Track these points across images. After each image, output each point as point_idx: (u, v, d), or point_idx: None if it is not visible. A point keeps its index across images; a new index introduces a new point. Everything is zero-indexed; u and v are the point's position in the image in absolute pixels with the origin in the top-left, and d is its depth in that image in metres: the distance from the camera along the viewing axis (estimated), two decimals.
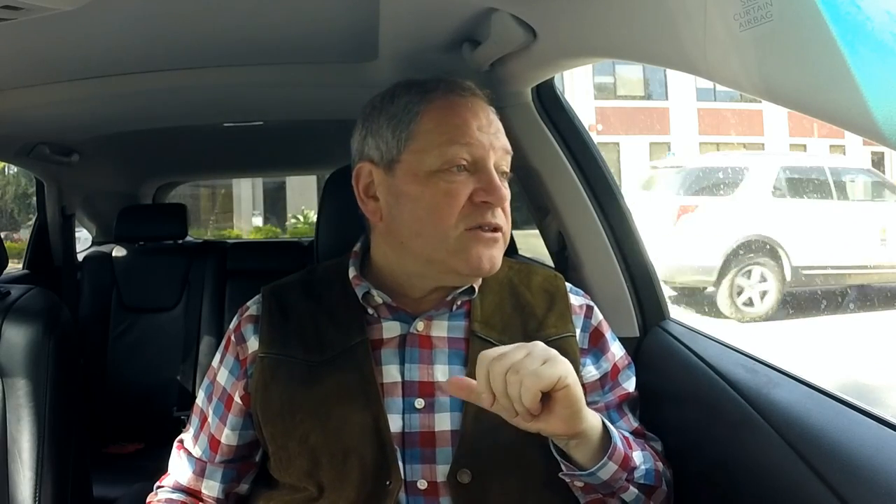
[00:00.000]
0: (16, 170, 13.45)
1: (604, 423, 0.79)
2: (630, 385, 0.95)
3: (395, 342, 0.88)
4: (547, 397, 0.71)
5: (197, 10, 1.09)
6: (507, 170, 0.88)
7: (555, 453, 0.80)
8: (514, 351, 0.72)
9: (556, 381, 0.70)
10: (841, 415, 0.75)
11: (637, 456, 0.83)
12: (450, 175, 0.83)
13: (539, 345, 0.73)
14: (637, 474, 0.82)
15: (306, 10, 1.12)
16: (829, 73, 0.44)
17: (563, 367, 0.72)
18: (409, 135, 0.86)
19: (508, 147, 0.88)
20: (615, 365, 0.94)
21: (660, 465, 0.88)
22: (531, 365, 0.70)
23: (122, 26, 1.12)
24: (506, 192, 0.84)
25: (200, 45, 1.28)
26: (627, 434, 0.87)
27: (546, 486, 0.84)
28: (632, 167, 18.04)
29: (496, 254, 0.85)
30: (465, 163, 0.84)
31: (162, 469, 0.98)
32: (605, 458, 0.77)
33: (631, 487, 0.82)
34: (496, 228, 0.84)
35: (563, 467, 0.80)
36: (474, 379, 0.84)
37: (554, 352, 0.73)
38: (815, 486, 0.69)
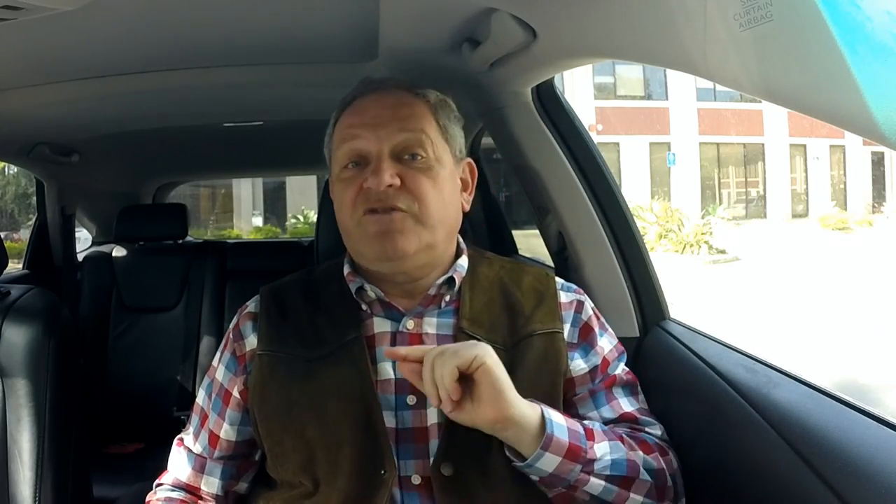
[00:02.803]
0: (16, 170, 13.47)
1: (542, 414, 0.80)
2: (618, 369, 0.95)
3: (387, 339, 0.89)
4: (469, 382, 0.76)
5: (197, 10, 1.10)
6: (423, 150, 0.87)
7: (505, 448, 0.81)
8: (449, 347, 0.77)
9: (473, 358, 0.75)
10: (841, 415, 0.75)
11: (599, 447, 0.82)
12: (344, 172, 0.89)
13: (467, 342, 0.81)
14: (598, 466, 0.81)
15: (306, 11, 1.12)
16: (829, 73, 0.44)
17: (480, 348, 0.77)
18: (330, 145, 0.94)
19: (416, 126, 0.88)
20: (605, 359, 0.94)
21: (639, 454, 0.86)
22: (452, 349, 0.76)
23: (122, 26, 1.12)
24: (388, 178, 0.84)
25: (200, 45, 1.28)
26: (592, 425, 0.86)
27: (527, 479, 0.83)
28: (632, 167, 18.06)
29: (399, 237, 0.84)
30: (356, 159, 0.88)
31: (162, 469, 0.98)
32: (539, 449, 0.78)
33: (594, 479, 0.81)
34: (392, 208, 0.84)
35: (512, 460, 0.81)
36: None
37: (476, 342, 0.80)
38: (815, 486, 0.69)
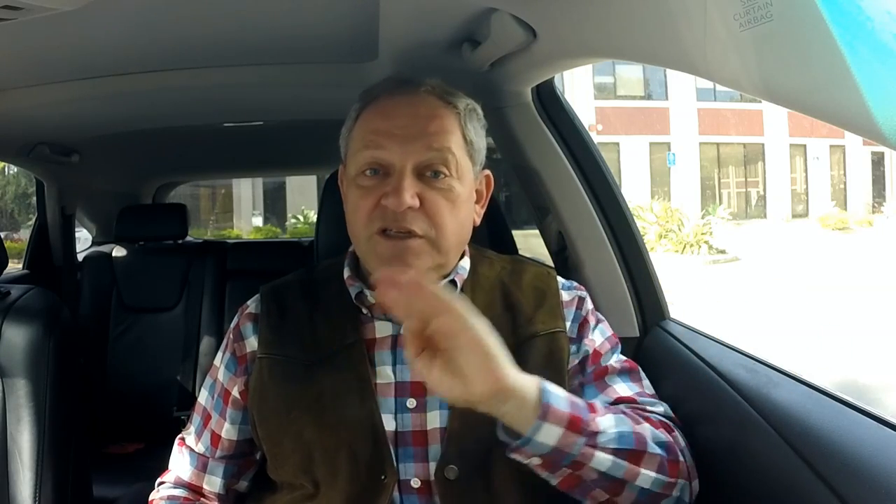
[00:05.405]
0: (16, 170, 13.47)
1: (539, 385, 0.73)
2: (612, 360, 0.93)
3: (387, 343, 0.88)
4: (452, 353, 0.68)
5: (197, 10, 1.10)
6: (447, 168, 0.85)
7: (500, 434, 0.74)
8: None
9: (447, 305, 0.67)
10: (841, 415, 0.75)
11: (603, 420, 0.76)
12: (362, 179, 0.86)
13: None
14: (603, 438, 0.75)
15: (306, 11, 1.12)
16: (829, 73, 0.44)
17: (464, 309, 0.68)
18: (348, 139, 0.91)
19: (443, 144, 0.84)
20: (595, 350, 0.93)
21: (646, 427, 0.82)
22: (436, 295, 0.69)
23: (122, 26, 1.12)
24: (408, 199, 0.81)
25: (200, 45, 1.28)
26: (594, 401, 0.81)
27: (532, 482, 0.82)
28: (632, 167, 18.07)
29: (412, 260, 0.83)
30: (377, 167, 0.85)
31: (162, 469, 0.99)
32: (537, 419, 0.71)
33: (599, 454, 0.75)
34: (408, 232, 0.82)
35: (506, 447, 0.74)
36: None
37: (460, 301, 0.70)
38: (815, 486, 0.69)
